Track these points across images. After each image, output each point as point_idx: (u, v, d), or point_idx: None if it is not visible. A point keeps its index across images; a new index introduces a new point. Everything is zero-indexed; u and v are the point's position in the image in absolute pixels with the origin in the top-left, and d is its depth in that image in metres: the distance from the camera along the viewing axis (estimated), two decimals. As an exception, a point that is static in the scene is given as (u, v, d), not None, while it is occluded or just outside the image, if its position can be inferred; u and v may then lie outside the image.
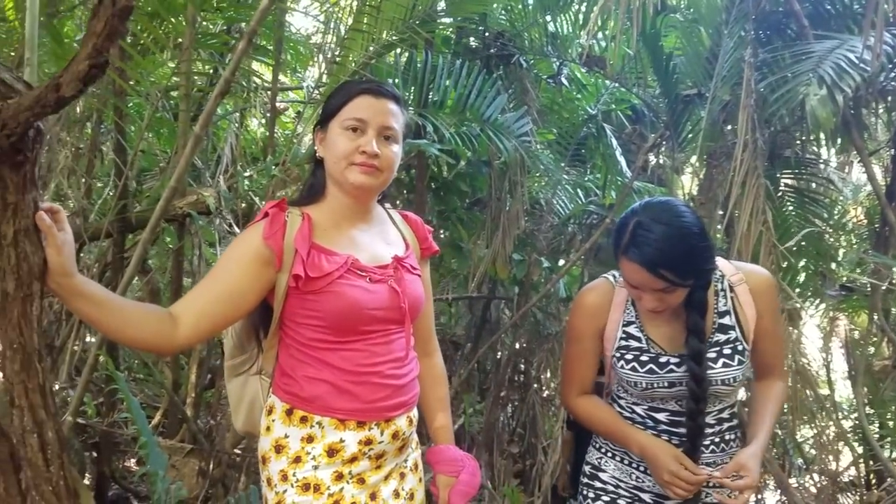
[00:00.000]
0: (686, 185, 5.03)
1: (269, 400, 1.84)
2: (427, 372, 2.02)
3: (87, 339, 4.09)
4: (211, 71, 4.48)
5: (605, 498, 2.04)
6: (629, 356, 1.95)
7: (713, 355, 1.90)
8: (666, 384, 1.91)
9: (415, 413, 1.89)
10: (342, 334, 1.73)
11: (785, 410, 4.36)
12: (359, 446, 1.74)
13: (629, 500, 2.01)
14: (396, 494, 1.83)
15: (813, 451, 4.77)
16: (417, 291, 1.86)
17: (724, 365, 1.89)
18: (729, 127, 3.72)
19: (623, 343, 1.97)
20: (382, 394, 1.76)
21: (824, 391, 4.52)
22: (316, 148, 1.86)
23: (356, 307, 1.71)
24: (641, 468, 2.00)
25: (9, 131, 1.45)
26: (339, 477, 1.73)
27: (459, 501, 1.96)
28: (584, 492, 2.09)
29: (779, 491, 4.20)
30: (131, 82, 3.78)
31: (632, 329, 1.97)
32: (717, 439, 1.97)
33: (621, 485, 2.03)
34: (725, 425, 1.99)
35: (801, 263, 4.40)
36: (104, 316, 1.61)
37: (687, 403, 1.87)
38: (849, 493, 4.63)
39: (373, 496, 1.77)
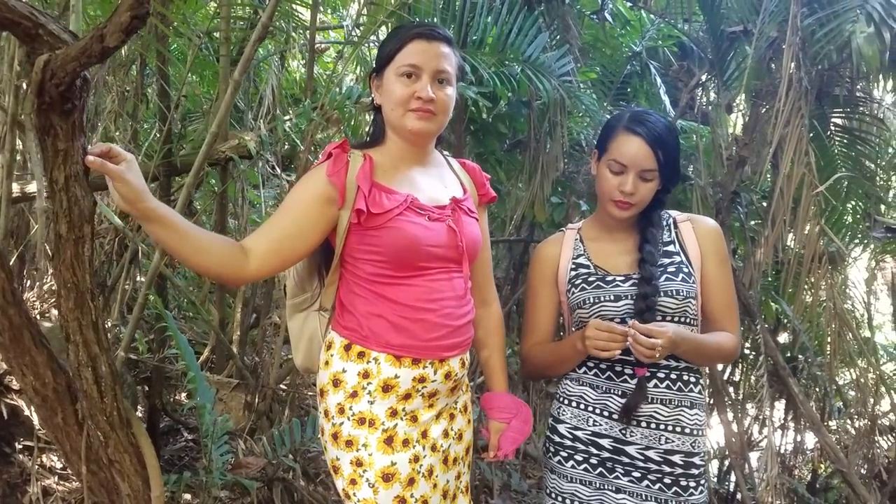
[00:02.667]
0: (732, 125, 4.91)
1: (328, 336, 1.91)
2: (485, 319, 2.08)
3: (138, 278, 4.23)
4: (252, 13, 4.49)
5: (563, 453, 2.07)
6: (578, 280, 2.07)
7: (657, 273, 1.98)
8: (612, 297, 2.00)
9: (467, 356, 1.95)
10: (401, 269, 1.80)
11: (826, 353, 4.34)
12: (413, 383, 1.80)
13: (585, 455, 2.03)
14: (446, 434, 1.90)
15: (853, 394, 4.76)
16: (475, 233, 1.92)
17: (667, 279, 1.98)
18: (775, 65, 3.62)
19: (573, 273, 2.10)
20: (438, 333, 1.82)
21: (867, 334, 4.49)
22: (373, 96, 1.91)
23: (415, 242, 1.77)
24: (597, 410, 2.03)
25: (57, 81, 1.52)
26: (394, 413, 1.80)
27: (508, 447, 2.02)
28: (546, 445, 2.15)
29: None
30: (174, 24, 3.81)
31: (581, 260, 2.12)
32: (673, 375, 2.00)
33: (579, 435, 2.05)
34: (683, 364, 2.01)
35: (850, 205, 4.32)
36: (178, 241, 1.67)
37: (639, 283, 1.97)
38: (888, 437, 4.63)
39: (424, 434, 1.85)
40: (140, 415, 3.82)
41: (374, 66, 1.91)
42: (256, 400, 3.50)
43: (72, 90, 1.54)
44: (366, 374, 1.80)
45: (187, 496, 2.97)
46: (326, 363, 1.87)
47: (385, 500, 1.76)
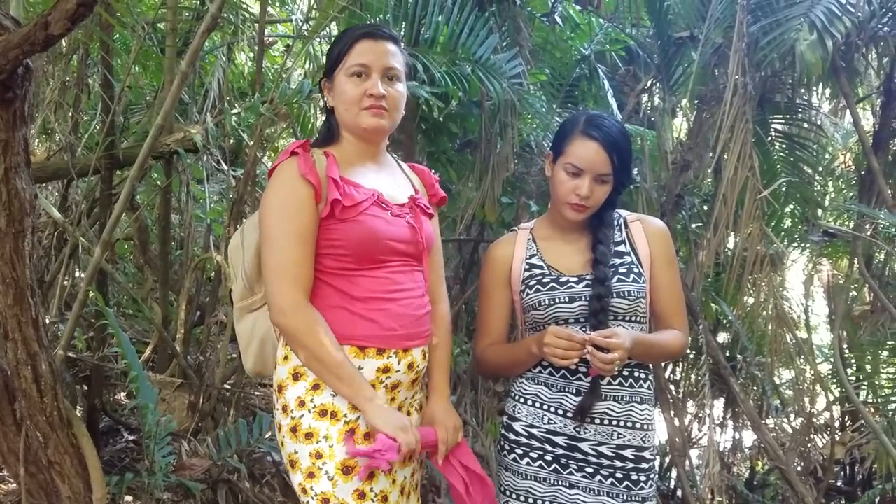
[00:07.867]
0: (677, 129, 5.01)
1: None
2: (433, 317, 2.05)
3: (78, 274, 4.11)
4: (198, 3, 4.40)
5: (518, 451, 2.08)
6: (532, 282, 2.08)
7: (610, 273, 2.01)
8: (567, 299, 2.02)
9: (427, 349, 1.95)
10: (363, 262, 1.81)
11: (764, 352, 4.47)
12: (377, 374, 1.80)
13: (540, 453, 2.05)
14: None
15: (790, 393, 4.91)
16: (431, 231, 1.98)
17: (619, 280, 2.01)
18: (719, 71, 3.70)
19: (527, 273, 2.11)
20: (401, 322, 1.83)
21: (804, 335, 4.63)
22: (326, 99, 1.95)
23: (378, 237, 1.80)
24: (552, 409, 2.05)
25: (-3, 68, 1.45)
26: (355, 406, 1.78)
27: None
28: (501, 443, 2.16)
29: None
30: (117, 15, 3.71)
31: (534, 260, 2.13)
32: (625, 372, 2.04)
33: (534, 433, 2.06)
34: (634, 361, 2.04)
35: (788, 209, 4.45)
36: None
37: (593, 284, 1.99)
38: (823, 434, 4.78)
39: None
40: (79, 415, 3.71)
41: (323, 70, 1.96)
42: (201, 400, 3.43)
43: (13, 79, 1.49)
44: None
45: (129, 498, 2.89)
46: (286, 358, 1.84)
47: (343, 493, 1.73)
